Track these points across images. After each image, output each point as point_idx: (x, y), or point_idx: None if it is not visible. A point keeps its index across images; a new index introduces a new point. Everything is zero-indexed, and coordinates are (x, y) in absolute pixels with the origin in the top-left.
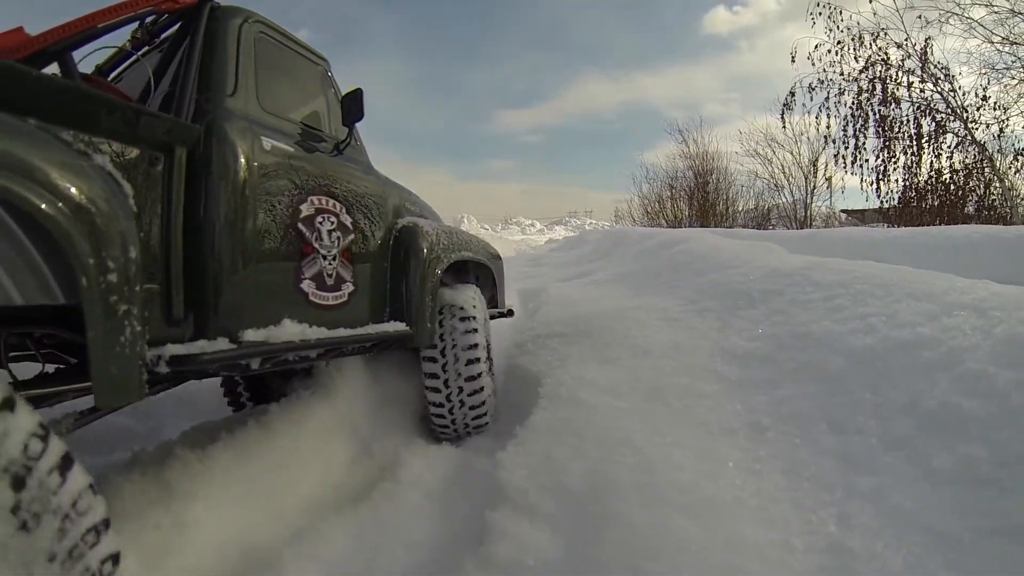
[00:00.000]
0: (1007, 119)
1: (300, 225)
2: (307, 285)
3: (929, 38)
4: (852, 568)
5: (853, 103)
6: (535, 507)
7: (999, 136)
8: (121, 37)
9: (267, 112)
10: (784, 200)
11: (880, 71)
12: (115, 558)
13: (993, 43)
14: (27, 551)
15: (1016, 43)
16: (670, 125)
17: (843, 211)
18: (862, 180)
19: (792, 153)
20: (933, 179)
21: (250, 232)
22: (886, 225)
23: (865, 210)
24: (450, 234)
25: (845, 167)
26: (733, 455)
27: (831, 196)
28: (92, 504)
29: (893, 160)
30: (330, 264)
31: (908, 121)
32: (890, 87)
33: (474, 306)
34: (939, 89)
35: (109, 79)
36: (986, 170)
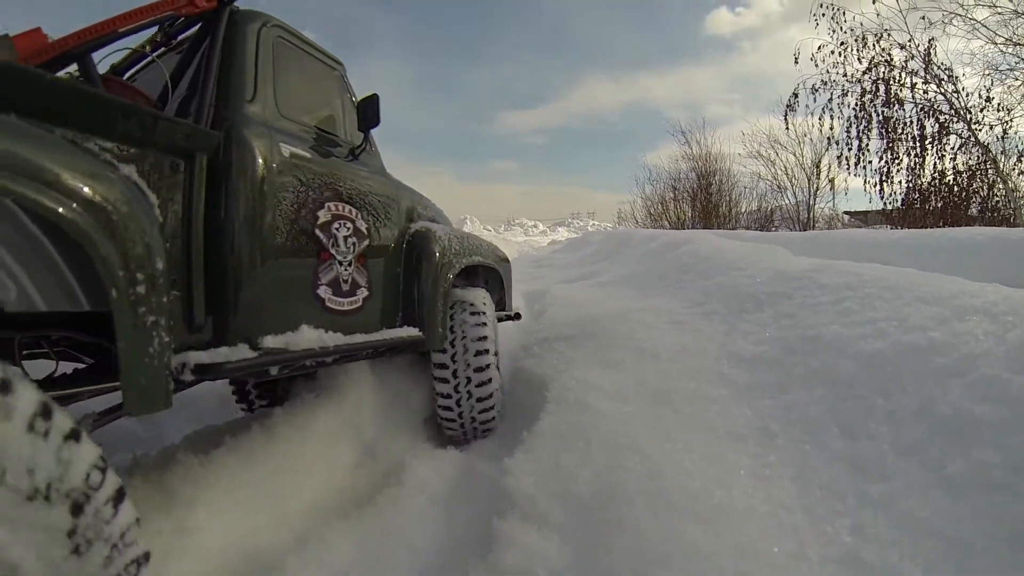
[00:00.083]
0: (1011, 120)
1: (317, 231)
2: (324, 291)
3: (932, 39)
4: None
5: (856, 104)
6: (544, 515)
7: (1003, 137)
8: (137, 37)
9: (285, 117)
10: (787, 202)
11: (883, 72)
12: None
13: (996, 44)
14: (76, 574)
15: (1020, 44)
16: (673, 126)
17: (846, 213)
18: (865, 182)
19: (795, 154)
20: (936, 181)
21: (269, 238)
22: (889, 227)
23: (868, 211)
24: (461, 238)
25: (848, 169)
26: (743, 461)
27: (834, 198)
28: (137, 537)
29: (896, 161)
30: (346, 270)
31: (911, 122)
32: (893, 88)
33: (484, 303)
34: (942, 90)
35: (124, 78)
36: (990, 171)
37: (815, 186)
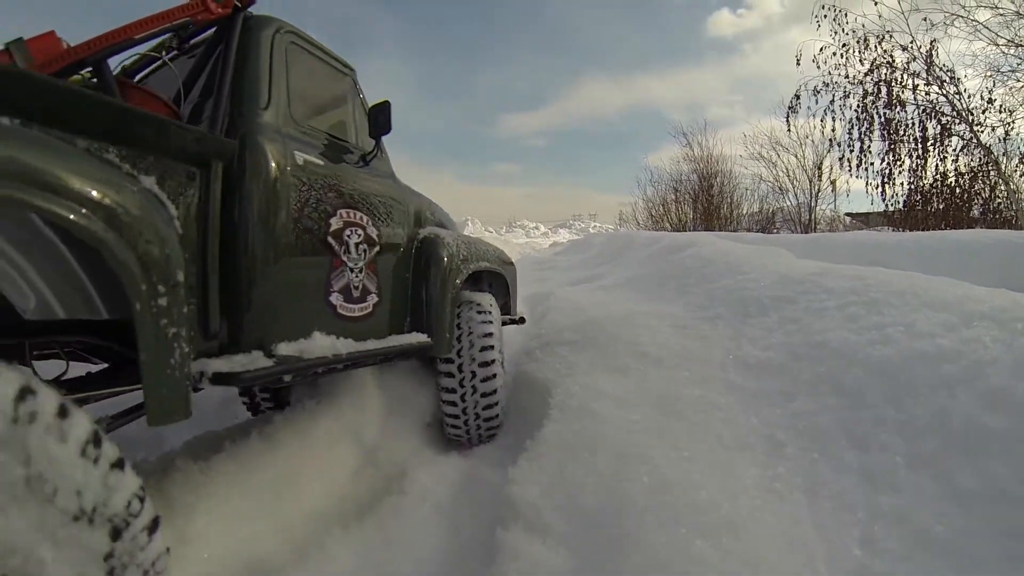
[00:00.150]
0: (1013, 122)
1: (330, 239)
2: (335, 298)
3: (934, 40)
4: None
5: (858, 106)
6: (548, 526)
7: (1005, 139)
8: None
9: (298, 124)
10: (788, 203)
11: (885, 74)
12: None
13: (998, 45)
14: None
15: (1021, 45)
16: (674, 128)
17: (847, 214)
18: (867, 183)
19: (797, 156)
20: (938, 182)
21: (283, 246)
22: (891, 229)
23: (869, 213)
24: (468, 244)
25: (850, 170)
26: (751, 472)
27: (835, 199)
28: (168, 566)
29: (898, 163)
30: (357, 276)
31: (913, 124)
32: (895, 90)
33: (490, 308)
34: (944, 92)
35: (135, 80)
36: (991, 173)
37: (816, 188)
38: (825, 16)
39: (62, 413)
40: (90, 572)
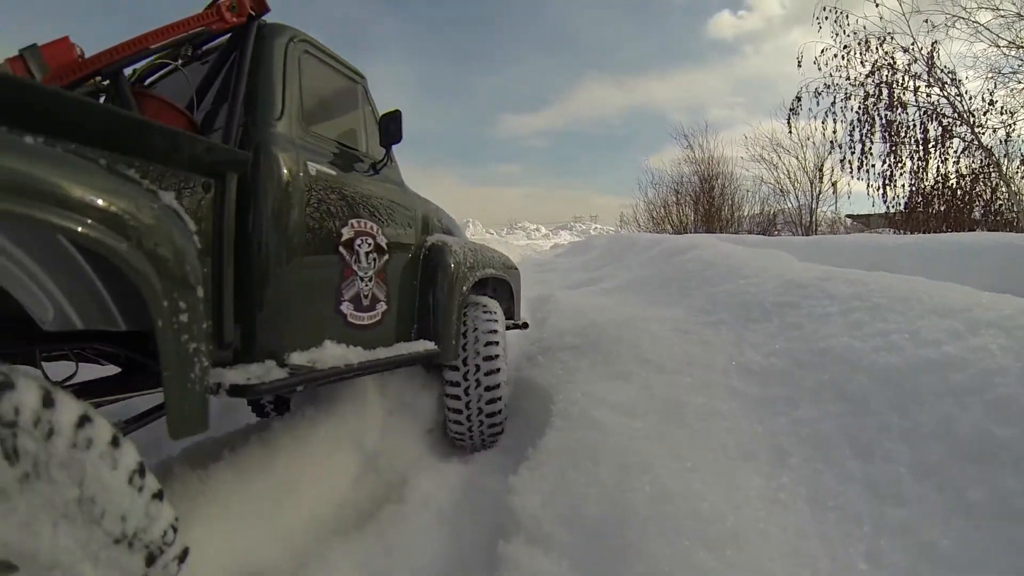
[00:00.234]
0: (1014, 123)
1: (341, 249)
2: (346, 306)
3: (935, 42)
4: None
5: (859, 108)
6: (550, 537)
7: (1006, 141)
8: None
9: (311, 133)
10: (789, 205)
11: (886, 75)
12: None
13: (999, 47)
14: None
15: (1022, 47)
16: (675, 130)
17: (848, 216)
18: (868, 185)
19: (798, 158)
20: (939, 184)
21: (296, 256)
22: (892, 230)
23: (870, 215)
24: (474, 251)
25: (851, 172)
26: (755, 482)
27: (836, 201)
28: None
29: (899, 165)
30: (366, 285)
31: (915, 126)
32: (896, 92)
33: (495, 315)
34: (946, 93)
35: (147, 84)
36: (993, 175)
37: (818, 189)
38: (826, 18)
39: (115, 442)
40: None
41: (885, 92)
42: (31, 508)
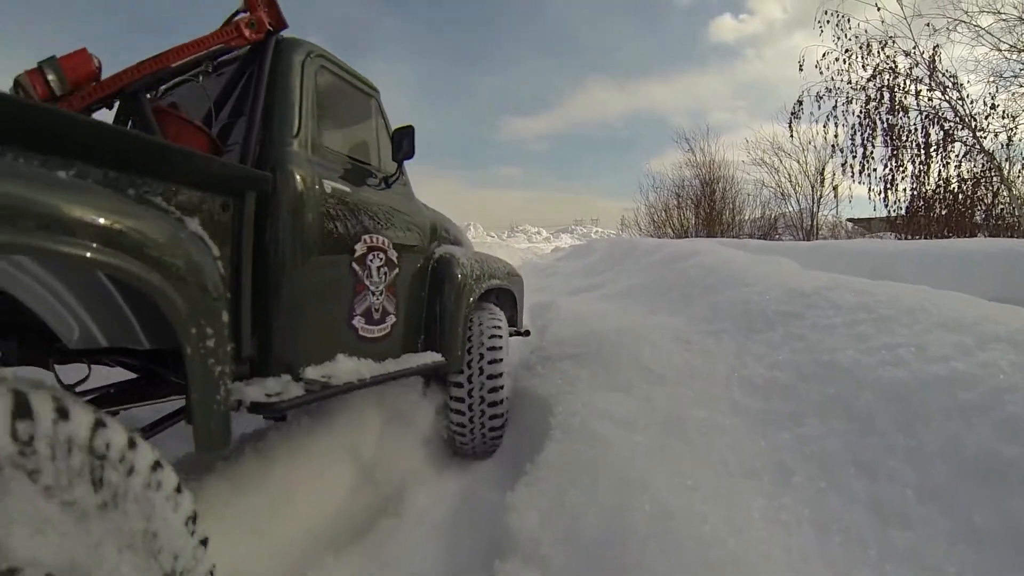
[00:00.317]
0: (1015, 127)
1: (354, 265)
2: (358, 321)
3: (937, 46)
4: None
5: (861, 112)
6: (547, 558)
7: (1007, 145)
8: None
9: (326, 150)
10: (791, 209)
11: (888, 79)
12: None
13: (1001, 51)
14: None
15: None
16: (677, 133)
17: (849, 220)
18: (870, 189)
19: (799, 162)
20: (941, 188)
21: (311, 274)
22: (893, 235)
23: (871, 219)
24: (480, 262)
25: (852, 176)
26: (757, 502)
27: (837, 205)
28: None
29: (901, 169)
30: (377, 299)
31: (916, 130)
32: (898, 95)
33: (499, 324)
34: (947, 97)
35: (164, 92)
36: (994, 179)
37: (819, 193)
38: (828, 22)
39: (179, 489)
40: None
41: (887, 96)
42: (103, 533)
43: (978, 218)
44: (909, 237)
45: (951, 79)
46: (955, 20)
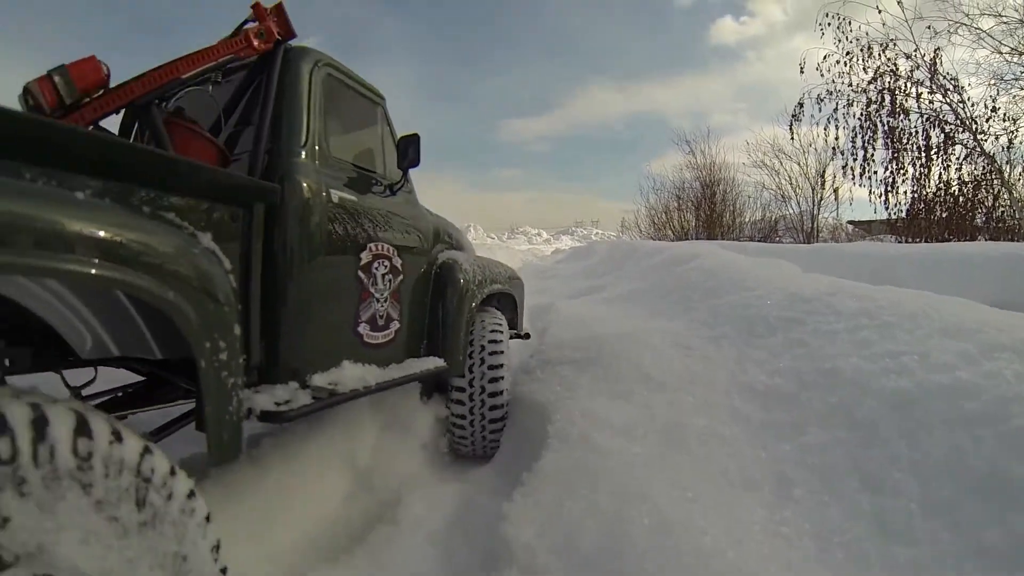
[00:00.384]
0: (1016, 130)
1: (360, 272)
2: (363, 328)
3: (938, 49)
4: None
5: (862, 114)
6: (544, 570)
7: (1008, 147)
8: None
9: (333, 158)
10: (791, 211)
11: (889, 82)
12: None
13: (1002, 54)
14: None
15: None
16: (677, 135)
17: (850, 222)
18: (870, 192)
19: (800, 164)
20: (942, 191)
21: (318, 283)
22: (894, 237)
23: (872, 221)
24: (482, 267)
25: (853, 178)
26: (758, 515)
27: (838, 207)
28: None
29: (901, 172)
30: (382, 306)
31: (917, 132)
32: (899, 98)
33: (501, 323)
34: (948, 100)
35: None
36: (995, 182)
37: (819, 196)
38: (829, 24)
39: (208, 519)
40: None
41: (887, 98)
42: (140, 550)
43: (979, 221)
44: (909, 240)
45: (952, 82)
46: (956, 23)
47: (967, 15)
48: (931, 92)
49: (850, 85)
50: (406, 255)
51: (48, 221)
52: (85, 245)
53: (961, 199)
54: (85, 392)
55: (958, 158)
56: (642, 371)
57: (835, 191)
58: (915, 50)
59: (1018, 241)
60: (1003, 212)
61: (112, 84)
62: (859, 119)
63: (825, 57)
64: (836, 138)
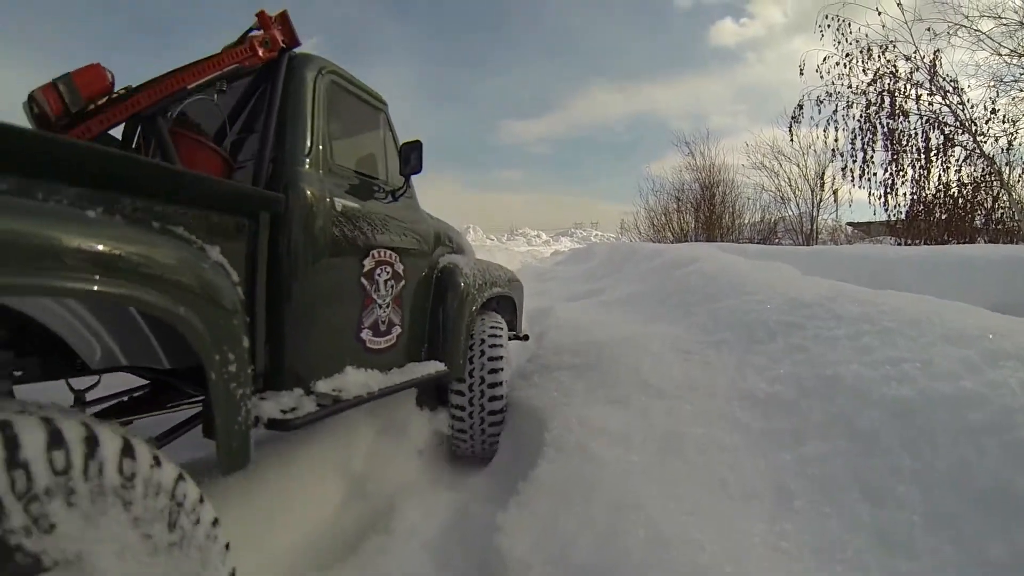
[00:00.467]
0: (1016, 132)
1: (363, 279)
2: (365, 334)
3: (938, 50)
4: None
5: (861, 116)
6: None
7: (1007, 149)
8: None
9: (337, 166)
10: (790, 213)
11: (888, 84)
12: None
13: (1001, 55)
14: None
15: None
16: (677, 137)
17: (849, 224)
18: (870, 193)
19: (799, 166)
20: (941, 193)
21: (322, 291)
22: (893, 239)
23: (871, 223)
24: (482, 271)
25: (852, 180)
26: (757, 528)
27: (837, 209)
28: None
29: (901, 173)
30: (384, 312)
31: (916, 134)
32: (898, 100)
33: (500, 326)
34: (947, 102)
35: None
36: (994, 183)
37: (819, 197)
38: (828, 26)
39: (227, 547)
40: None
41: (887, 100)
42: (167, 570)
43: (978, 223)
44: (909, 241)
45: (951, 83)
46: (955, 24)
47: (966, 17)
48: (931, 94)
49: (849, 87)
50: (408, 260)
51: (65, 241)
52: (100, 265)
53: (960, 201)
54: (90, 397)
55: (957, 160)
56: (640, 377)
57: (834, 193)
58: (914, 52)
59: (1017, 243)
60: (1002, 214)
61: (116, 87)
62: (858, 121)
63: (825, 59)
64: (836, 140)
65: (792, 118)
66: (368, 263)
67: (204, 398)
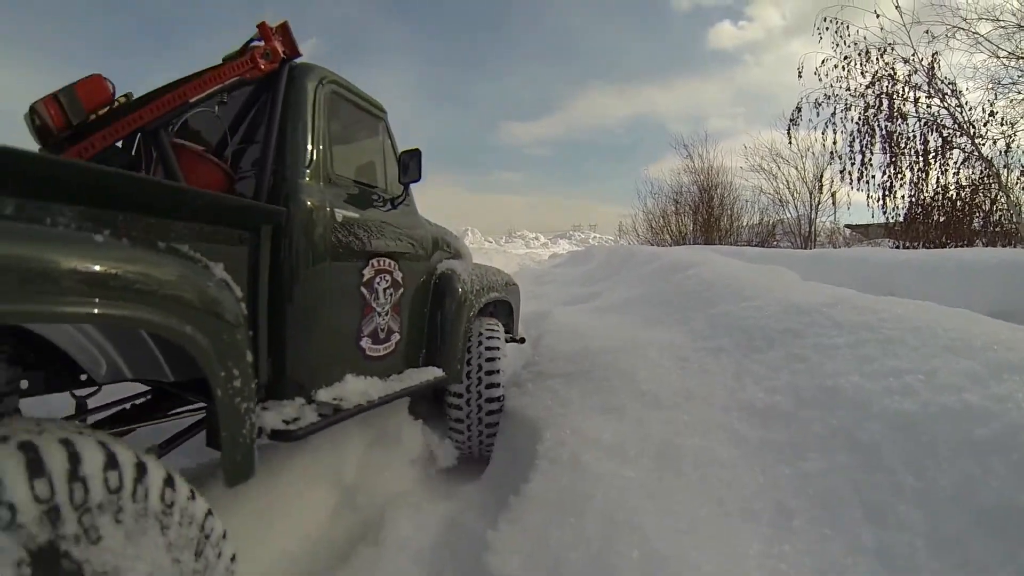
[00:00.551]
0: (1014, 134)
1: (363, 288)
2: (365, 342)
3: (936, 53)
4: None
5: (859, 118)
6: None
7: (1006, 151)
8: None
9: (337, 176)
10: (789, 215)
11: (887, 86)
12: None
13: (999, 58)
14: None
15: (1022, 58)
16: (676, 139)
17: (847, 226)
18: (868, 196)
19: (797, 168)
20: (939, 195)
21: (322, 301)
22: (891, 241)
23: (869, 225)
24: (480, 276)
25: (851, 183)
26: (754, 548)
27: (835, 211)
28: None
29: (899, 176)
30: (383, 319)
31: (915, 137)
32: (897, 102)
33: (498, 330)
34: (946, 104)
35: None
36: (992, 186)
37: (817, 200)
38: (827, 28)
39: (233, 559)
40: None
41: (885, 103)
42: None
43: (976, 225)
44: (907, 244)
45: (950, 86)
46: (954, 27)
47: (965, 19)
48: (929, 96)
49: (848, 89)
50: (407, 267)
51: (69, 266)
52: (106, 288)
53: (959, 203)
54: (92, 405)
55: (956, 162)
56: (637, 385)
57: (833, 195)
58: (913, 54)
59: (1015, 245)
60: (1000, 216)
61: (116, 93)
62: (857, 123)
63: (823, 61)
64: (834, 142)
65: (790, 120)
66: (368, 272)
67: (206, 406)
